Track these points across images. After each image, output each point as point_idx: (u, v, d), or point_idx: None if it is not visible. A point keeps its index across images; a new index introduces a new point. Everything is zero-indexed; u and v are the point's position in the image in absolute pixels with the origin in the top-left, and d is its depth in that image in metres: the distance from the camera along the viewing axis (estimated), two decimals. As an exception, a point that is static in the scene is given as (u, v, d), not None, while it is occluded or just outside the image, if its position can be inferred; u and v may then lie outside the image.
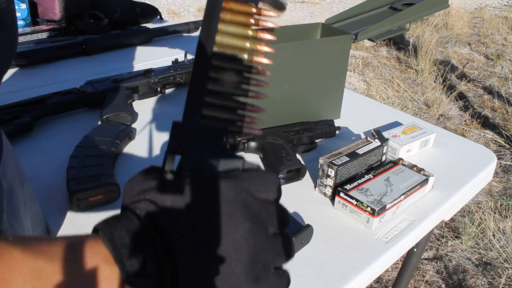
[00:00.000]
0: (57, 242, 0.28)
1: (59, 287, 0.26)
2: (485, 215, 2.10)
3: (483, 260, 1.91)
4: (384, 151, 0.84)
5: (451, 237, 2.02)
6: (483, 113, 3.15)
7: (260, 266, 0.30)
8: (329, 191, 0.77)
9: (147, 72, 1.10)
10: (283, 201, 0.33)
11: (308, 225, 0.66)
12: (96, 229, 0.29)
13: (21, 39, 1.31)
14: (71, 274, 0.26)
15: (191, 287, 0.28)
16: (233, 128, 0.35)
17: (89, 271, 0.27)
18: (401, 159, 0.84)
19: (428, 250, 1.95)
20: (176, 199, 0.29)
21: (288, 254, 0.32)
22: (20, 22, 1.45)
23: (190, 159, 0.32)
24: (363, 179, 0.75)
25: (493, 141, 2.80)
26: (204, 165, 0.32)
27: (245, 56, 0.36)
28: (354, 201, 0.71)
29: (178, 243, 0.28)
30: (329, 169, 0.75)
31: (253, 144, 0.85)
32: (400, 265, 1.13)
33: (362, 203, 0.70)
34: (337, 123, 0.99)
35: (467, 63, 4.07)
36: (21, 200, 0.56)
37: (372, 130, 0.85)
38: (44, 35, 1.36)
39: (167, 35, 1.52)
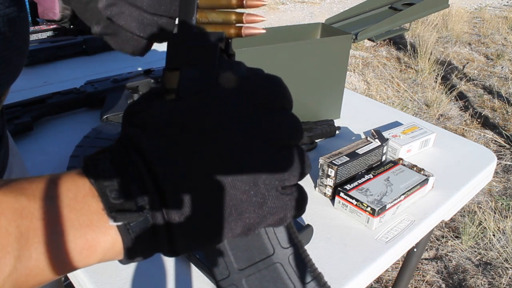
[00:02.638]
0: (38, 179, 0.26)
1: (46, 224, 0.24)
2: (485, 215, 2.10)
3: (483, 260, 1.91)
4: (384, 151, 0.84)
5: (451, 237, 2.02)
6: (483, 113, 3.15)
7: (264, 186, 0.26)
8: (329, 191, 0.77)
9: (147, 72, 1.10)
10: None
11: (308, 225, 0.66)
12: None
13: (21, 39, 1.31)
14: (56, 211, 0.24)
15: (182, 216, 0.25)
16: (231, 30, 0.32)
17: (75, 206, 0.25)
18: (401, 159, 0.84)
19: (428, 250, 1.95)
20: (161, 119, 0.26)
21: (302, 168, 0.28)
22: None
23: (186, 74, 0.29)
24: (363, 179, 0.75)
25: (493, 141, 2.80)
26: (201, 78, 0.29)
27: None
28: (354, 201, 0.71)
29: (162, 170, 0.25)
30: (329, 169, 0.75)
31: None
32: (400, 265, 1.13)
33: (362, 203, 0.70)
34: (337, 123, 0.99)
35: (467, 63, 4.07)
36: None
37: (372, 130, 0.85)
38: (44, 35, 1.36)
39: (167, 35, 1.52)
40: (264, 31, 0.34)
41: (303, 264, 0.32)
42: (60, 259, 0.24)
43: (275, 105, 0.28)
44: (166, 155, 0.25)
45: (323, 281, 0.33)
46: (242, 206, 0.26)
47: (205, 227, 0.26)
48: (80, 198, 0.25)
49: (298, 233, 0.33)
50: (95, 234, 0.25)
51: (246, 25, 0.34)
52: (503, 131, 2.88)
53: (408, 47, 4.15)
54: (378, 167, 0.80)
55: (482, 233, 2.03)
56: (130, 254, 0.26)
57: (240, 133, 0.26)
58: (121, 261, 0.27)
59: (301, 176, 0.28)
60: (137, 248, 0.26)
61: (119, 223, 0.25)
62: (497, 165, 2.53)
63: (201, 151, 0.26)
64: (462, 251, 1.95)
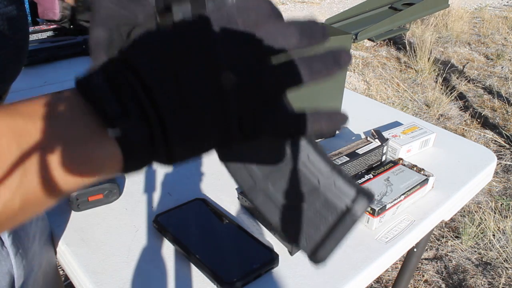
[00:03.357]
0: (33, 101, 0.26)
1: (45, 143, 0.25)
2: (485, 215, 2.10)
3: (483, 260, 1.91)
4: (384, 151, 0.84)
5: (451, 237, 2.02)
6: (483, 113, 3.15)
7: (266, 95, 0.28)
8: (329, 191, 0.77)
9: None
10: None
11: (308, 225, 0.66)
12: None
13: (21, 39, 1.31)
14: (54, 129, 0.25)
15: (178, 123, 0.26)
16: None
17: (72, 123, 0.26)
18: (401, 159, 0.84)
19: (428, 250, 1.95)
20: (153, 40, 0.27)
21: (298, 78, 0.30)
22: (20, 22, 1.44)
23: (177, 11, 0.29)
24: (363, 179, 0.75)
25: (493, 141, 2.80)
26: (193, 12, 0.29)
27: None
28: (354, 201, 0.71)
29: (153, 81, 0.26)
30: (329, 169, 0.75)
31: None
32: (400, 265, 1.13)
33: (362, 203, 0.70)
34: (337, 123, 0.99)
35: (467, 63, 4.07)
36: None
37: (372, 130, 0.85)
38: (44, 35, 1.36)
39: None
40: None
41: (321, 159, 0.32)
42: (62, 174, 0.25)
43: (263, 18, 0.29)
44: (157, 67, 0.26)
45: (344, 173, 0.33)
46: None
47: (197, 129, 0.27)
48: (76, 114, 0.26)
49: (316, 140, 0.33)
50: (95, 147, 0.26)
51: None
52: (503, 131, 2.88)
53: (408, 47, 4.15)
54: (378, 167, 0.80)
55: (482, 233, 2.03)
56: (129, 162, 0.27)
57: (224, 52, 0.27)
58: (121, 172, 0.28)
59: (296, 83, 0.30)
60: (136, 155, 0.27)
61: (117, 134, 0.26)
62: (497, 165, 2.53)
63: (193, 61, 0.26)
64: (462, 251, 1.95)
